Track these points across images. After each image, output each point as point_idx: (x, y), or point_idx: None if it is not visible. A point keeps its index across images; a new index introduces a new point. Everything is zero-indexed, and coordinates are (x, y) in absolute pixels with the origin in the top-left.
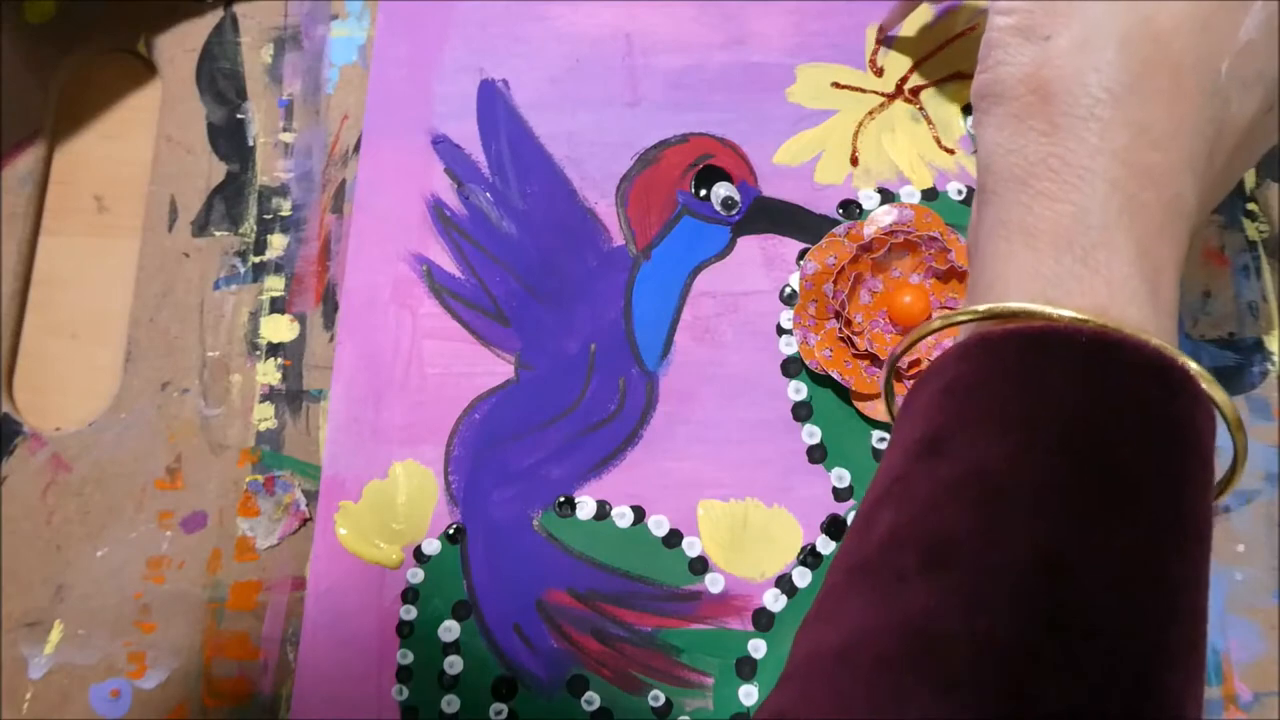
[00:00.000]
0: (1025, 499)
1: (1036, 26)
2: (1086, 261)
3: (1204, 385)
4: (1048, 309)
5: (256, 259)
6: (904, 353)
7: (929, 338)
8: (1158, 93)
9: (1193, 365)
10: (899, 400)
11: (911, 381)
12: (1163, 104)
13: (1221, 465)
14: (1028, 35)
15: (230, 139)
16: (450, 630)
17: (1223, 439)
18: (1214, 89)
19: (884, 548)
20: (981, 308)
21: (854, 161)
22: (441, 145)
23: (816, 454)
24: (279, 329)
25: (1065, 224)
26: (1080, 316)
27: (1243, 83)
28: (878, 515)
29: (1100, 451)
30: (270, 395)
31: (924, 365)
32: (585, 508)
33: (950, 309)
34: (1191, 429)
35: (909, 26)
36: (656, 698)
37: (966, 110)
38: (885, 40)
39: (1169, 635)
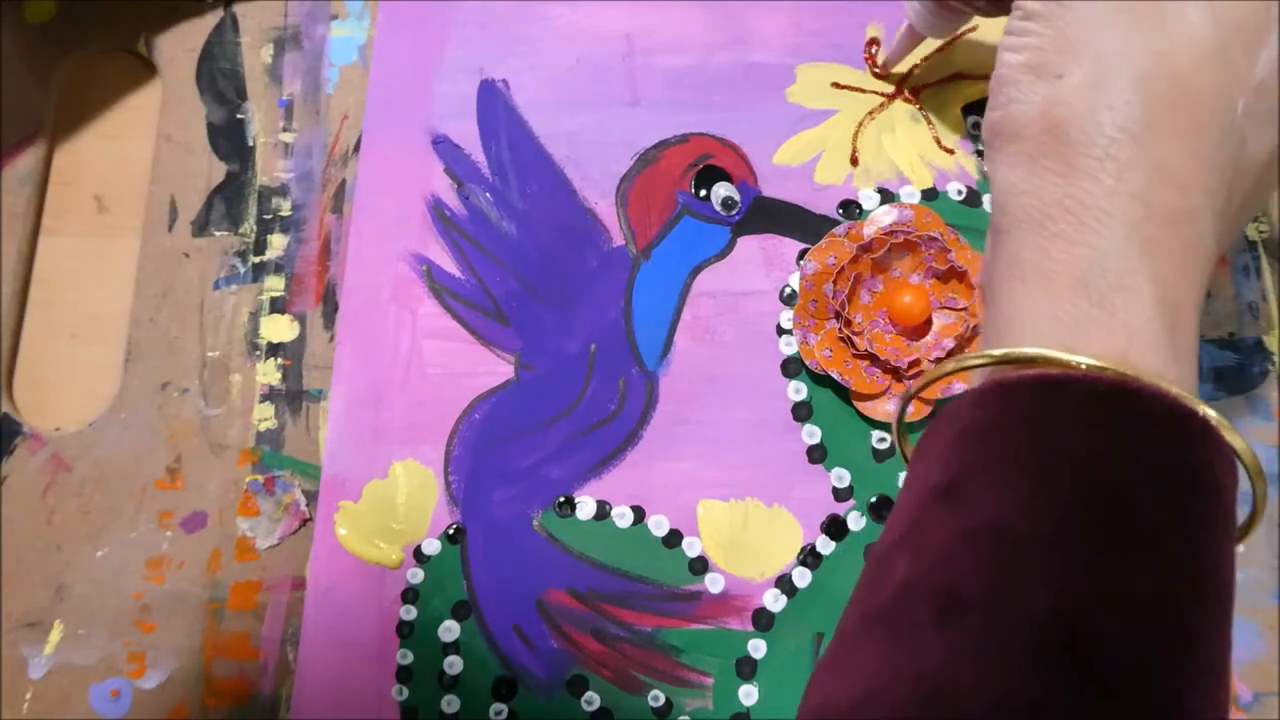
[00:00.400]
0: (1042, 551)
1: (1048, 64)
2: (1104, 305)
3: (1224, 434)
4: (1064, 355)
5: (256, 259)
6: (918, 393)
7: (927, 338)
8: (1175, 132)
9: (1212, 413)
10: (909, 405)
11: (912, 382)
12: (1180, 143)
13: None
14: (1039, 73)
15: (230, 139)
16: (450, 630)
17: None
18: (1230, 127)
19: (899, 597)
20: (997, 352)
21: (854, 161)
22: (441, 145)
23: (816, 454)
24: (279, 329)
25: (1082, 267)
26: (1098, 364)
27: (1258, 120)
28: (893, 562)
29: (1118, 502)
30: (270, 395)
31: (923, 367)
32: (585, 508)
33: (950, 308)
34: (1211, 478)
35: None
36: (656, 698)
37: (966, 110)
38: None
39: (1188, 689)
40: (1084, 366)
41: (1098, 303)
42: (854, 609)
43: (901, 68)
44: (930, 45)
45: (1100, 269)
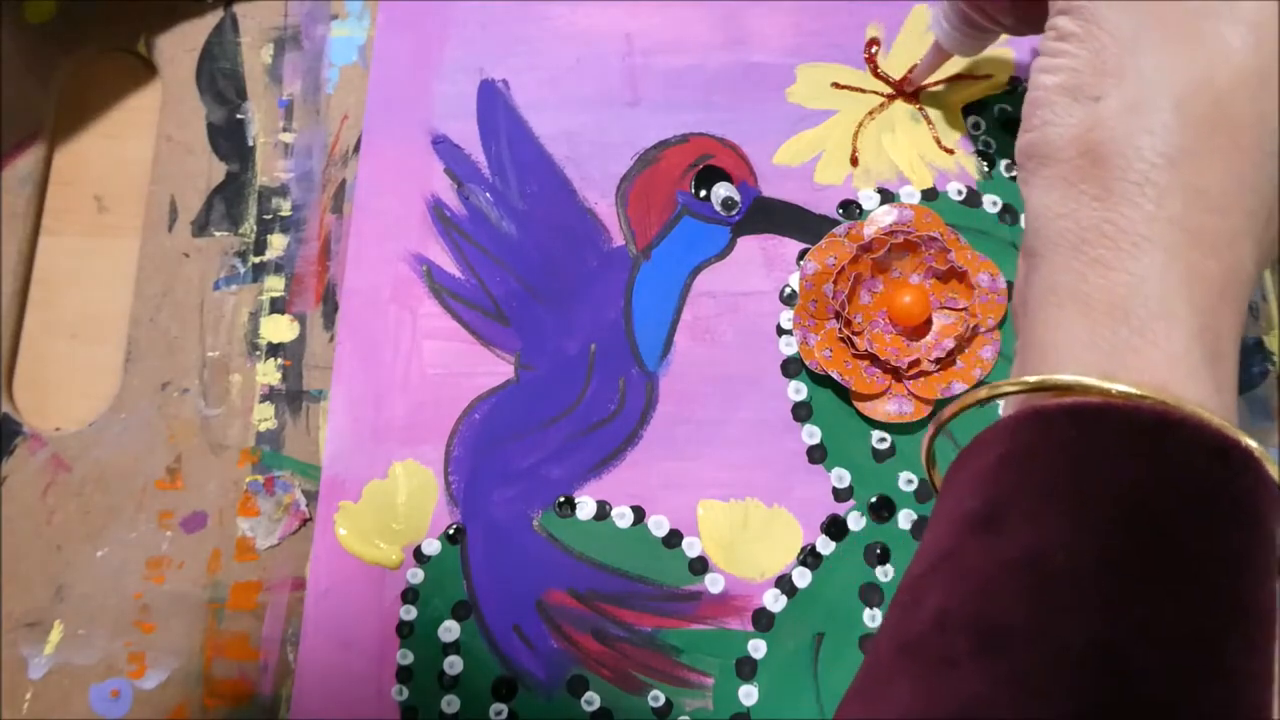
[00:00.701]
0: (1082, 584)
1: (1084, 86)
2: (1144, 333)
3: (1266, 466)
4: (1104, 383)
5: (256, 259)
6: (949, 420)
7: (927, 338)
8: (1215, 153)
9: (1255, 445)
10: (932, 434)
11: (911, 381)
12: (1220, 165)
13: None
14: (1075, 95)
15: (230, 139)
16: (450, 630)
17: None
18: (1271, 150)
19: (934, 628)
20: (1034, 379)
21: (854, 161)
22: (441, 145)
23: (816, 454)
24: (279, 329)
25: (1121, 293)
26: (1138, 393)
27: None
28: (926, 590)
29: (1159, 533)
30: (270, 395)
31: (923, 366)
32: (585, 508)
33: (951, 308)
34: (1252, 511)
35: (910, 28)
36: (656, 698)
37: (966, 110)
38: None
39: None
40: (1124, 395)
41: (1138, 330)
42: (886, 636)
43: (903, 67)
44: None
45: (1140, 296)
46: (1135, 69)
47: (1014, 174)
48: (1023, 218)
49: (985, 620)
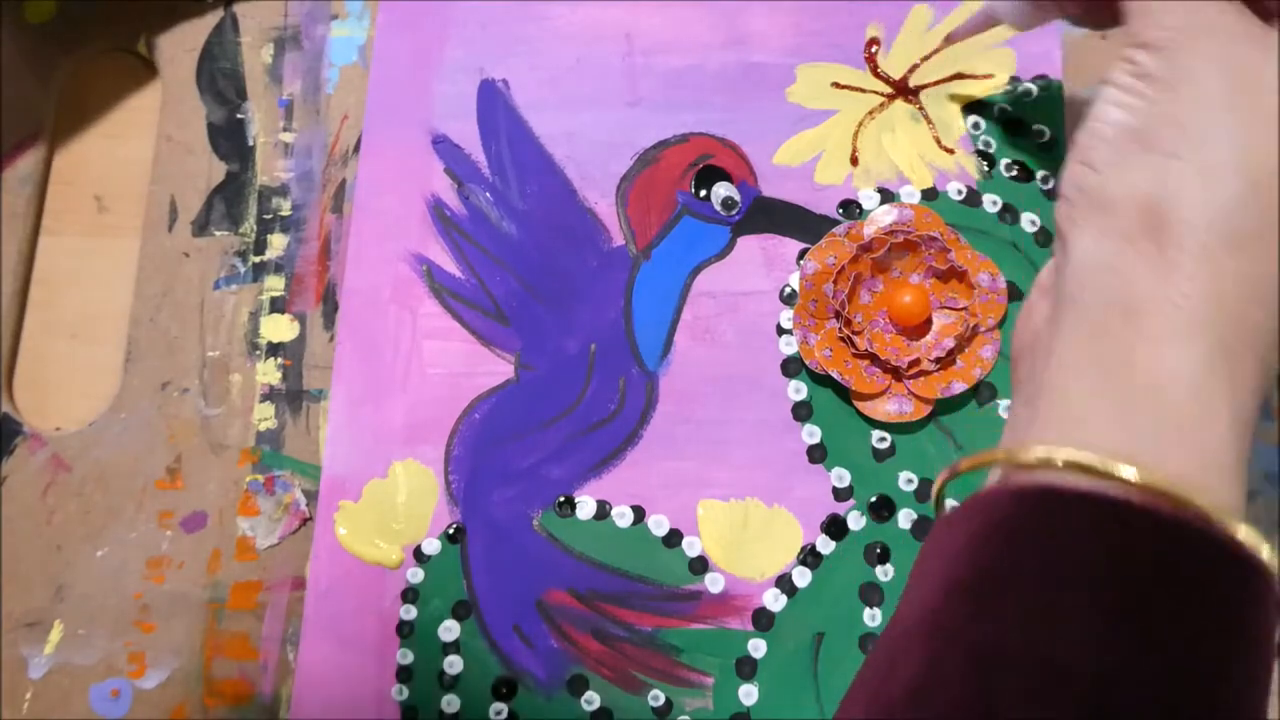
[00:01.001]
0: (1080, 688)
1: (1155, 136)
2: (1181, 425)
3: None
4: (1127, 474)
5: (256, 259)
6: (964, 471)
7: (927, 337)
8: (1269, 243)
9: (1274, 562)
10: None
11: (911, 381)
12: (1270, 257)
13: None
14: (1143, 142)
15: (230, 139)
16: (450, 630)
17: None
18: None
19: (909, 705)
20: (1060, 456)
21: (854, 161)
22: (441, 145)
23: (816, 454)
24: (279, 329)
25: (1165, 380)
26: (1162, 489)
27: None
28: (906, 655)
29: (1166, 639)
30: (270, 395)
31: (923, 366)
32: (585, 508)
33: (950, 308)
34: (1258, 630)
35: (910, 28)
36: (656, 698)
37: (967, 110)
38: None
39: None
40: (1150, 488)
41: (1175, 423)
42: (864, 690)
43: (903, 67)
44: (930, 45)
45: (1185, 383)
46: (1214, 135)
47: (1014, 174)
48: (1054, 246)
49: (971, 711)
